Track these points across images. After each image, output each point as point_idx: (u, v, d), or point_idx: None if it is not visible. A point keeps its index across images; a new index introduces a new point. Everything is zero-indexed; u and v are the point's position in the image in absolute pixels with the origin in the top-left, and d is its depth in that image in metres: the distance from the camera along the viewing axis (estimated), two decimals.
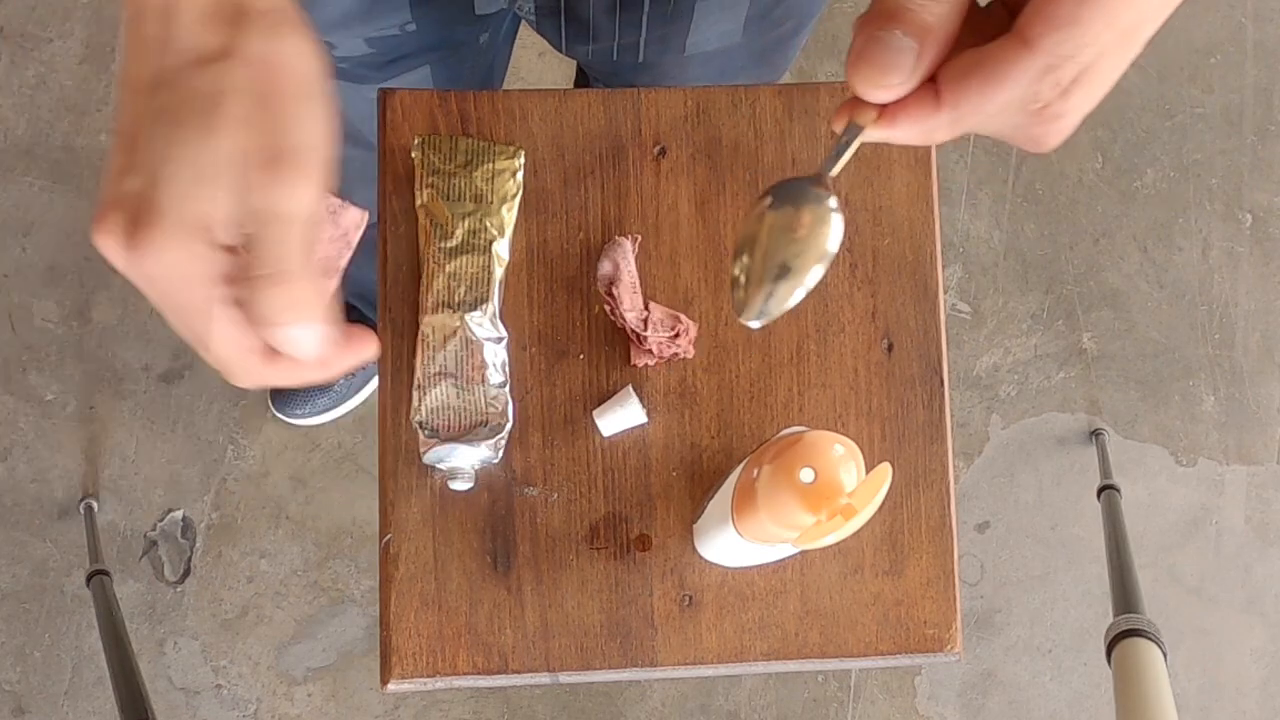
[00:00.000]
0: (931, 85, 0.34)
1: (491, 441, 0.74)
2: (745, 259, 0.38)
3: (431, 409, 0.74)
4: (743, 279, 0.38)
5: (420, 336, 0.75)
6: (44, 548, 1.68)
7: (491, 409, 0.74)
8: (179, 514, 1.70)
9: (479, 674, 0.74)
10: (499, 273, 0.76)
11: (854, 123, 0.36)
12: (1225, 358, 1.84)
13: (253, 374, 0.41)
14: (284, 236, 0.38)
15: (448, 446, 0.73)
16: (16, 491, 1.69)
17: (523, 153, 0.78)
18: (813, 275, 0.37)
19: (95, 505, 1.68)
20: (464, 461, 0.73)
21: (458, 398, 0.75)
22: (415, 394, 0.74)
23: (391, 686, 0.74)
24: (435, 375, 0.74)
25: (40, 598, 1.68)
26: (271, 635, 1.70)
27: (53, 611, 1.68)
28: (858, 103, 0.36)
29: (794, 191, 0.38)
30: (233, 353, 0.40)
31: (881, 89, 0.34)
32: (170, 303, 0.40)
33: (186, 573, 1.70)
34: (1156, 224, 1.86)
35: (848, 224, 0.79)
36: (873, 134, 0.36)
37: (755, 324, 0.38)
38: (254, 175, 0.37)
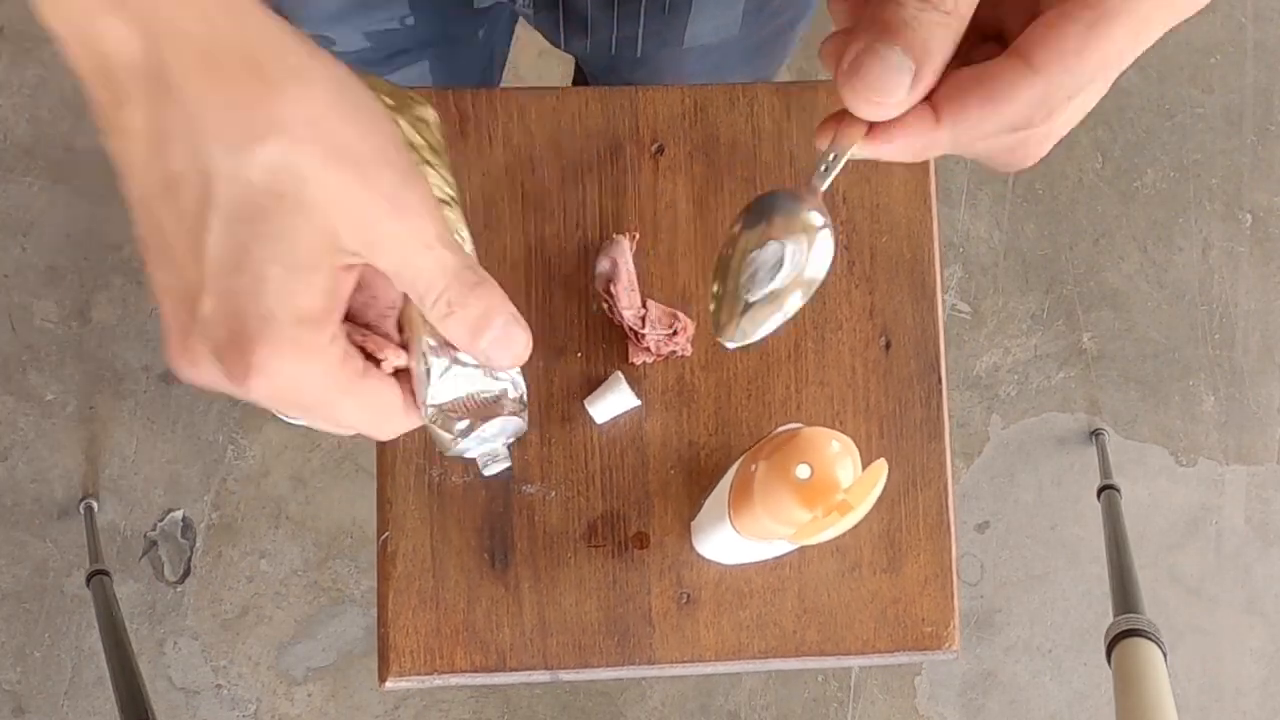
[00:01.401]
0: (926, 103, 0.33)
1: (518, 414, 0.72)
2: (722, 279, 0.36)
3: (442, 404, 0.73)
4: (718, 300, 0.36)
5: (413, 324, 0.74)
6: (44, 548, 1.68)
7: (500, 379, 0.73)
8: (179, 514, 1.70)
9: (477, 672, 0.74)
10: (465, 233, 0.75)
11: (840, 139, 0.34)
12: (1225, 358, 1.84)
13: (400, 421, 0.40)
14: (431, 261, 0.35)
15: (474, 435, 0.72)
16: (16, 491, 1.69)
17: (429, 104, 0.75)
18: (792, 302, 0.35)
19: (95, 505, 1.68)
20: (496, 439, 0.72)
21: (467, 381, 0.74)
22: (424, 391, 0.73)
23: (389, 684, 0.74)
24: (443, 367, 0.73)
25: (40, 598, 1.68)
26: (271, 635, 1.70)
27: (53, 611, 1.68)
28: (845, 117, 0.34)
29: (777, 207, 0.36)
30: (380, 413, 0.39)
31: (877, 107, 0.33)
32: (302, 403, 0.36)
33: (186, 573, 1.70)
34: (1156, 224, 1.86)
35: (845, 222, 0.79)
36: (863, 151, 0.35)
37: (732, 345, 0.36)
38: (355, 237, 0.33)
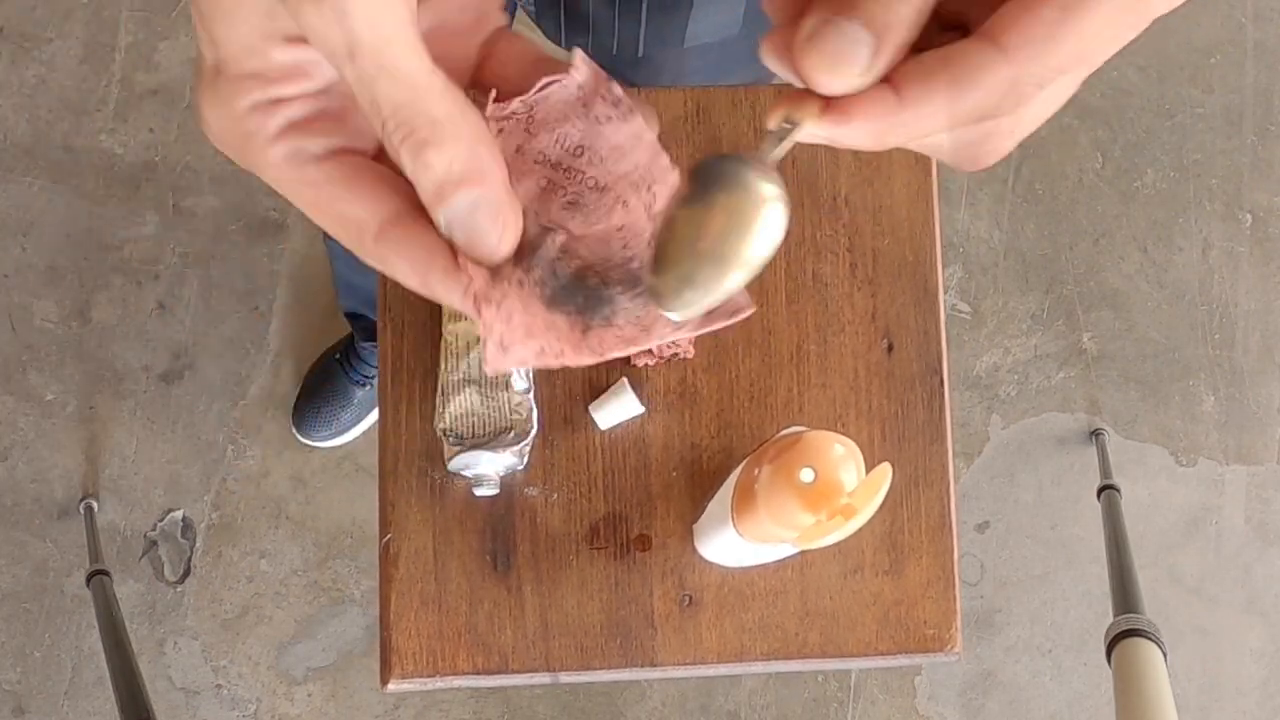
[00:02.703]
0: (888, 84, 0.31)
1: (516, 448, 0.74)
2: (664, 245, 0.33)
3: (456, 416, 0.74)
4: (660, 266, 0.33)
5: (443, 344, 0.75)
6: (44, 548, 1.68)
7: (516, 415, 0.74)
8: (179, 514, 1.70)
9: (479, 674, 0.74)
10: None
11: (795, 110, 0.32)
12: (1225, 358, 1.84)
13: (368, 243, 0.33)
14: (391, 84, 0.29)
15: (473, 454, 0.73)
16: (16, 491, 1.69)
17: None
18: (735, 279, 0.32)
19: (95, 505, 1.68)
20: (489, 469, 0.73)
21: (482, 405, 0.74)
22: (439, 401, 0.74)
23: (391, 686, 0.74)
24: (459, 382, 0.74)
25: (40, 598, 1.68)
26: (271, 635, 1.70)
27: (53, 611, 1.68)
28: (802, 95, 0.32)
29: (725, 173, 0.33)
30: (328, 218, 0.32)
31: (834, 79, 0.31)
32: (235, 158, 0.33)
33: (186, 573, 1.70)
34: (1156, 224, 1.86)
35: (847, 225, 0.79)
36: (818, 131, 0.32)
37: (675, 316, 0.33)
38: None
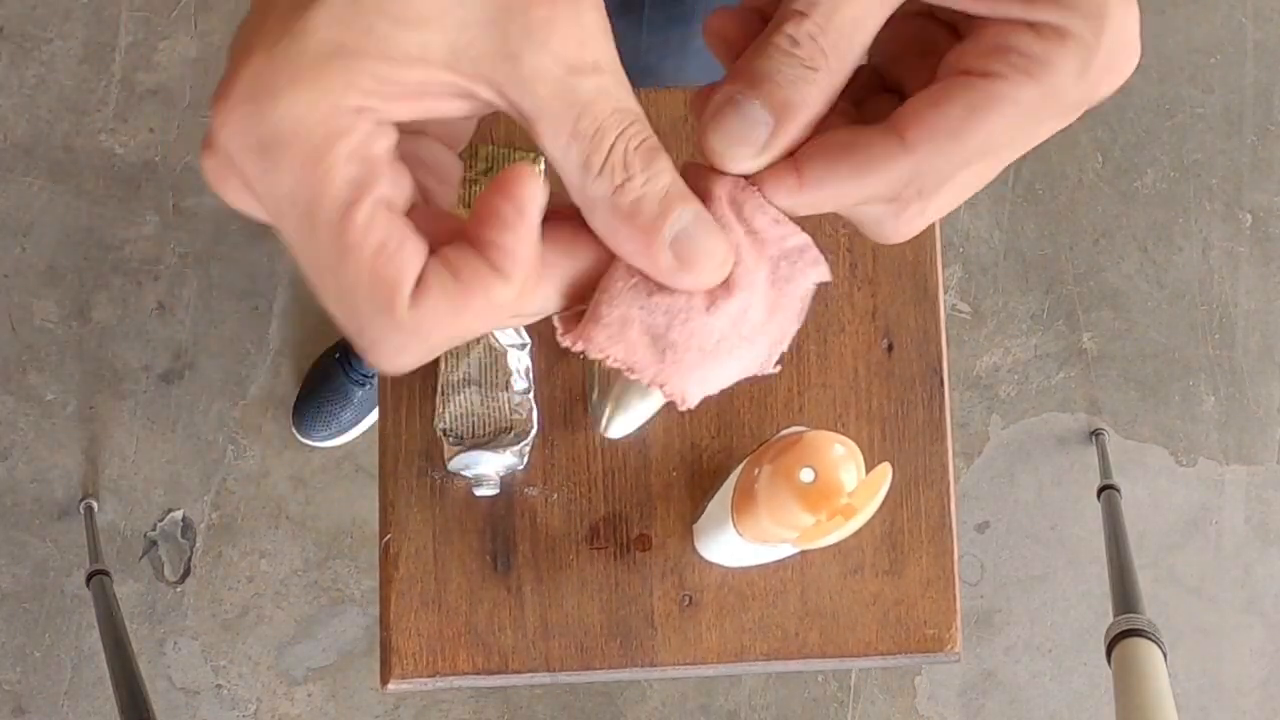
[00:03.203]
0: (792, 162, 0.31)
1: (516, 448, 0.74)
2: (596, 375, 0.33)
3: (455, 416, 0.74)
4: (595, 394, 0.33)
5: None
6: (44, 548, 1.68)
7: (516, 415, 0.74)
8: (179, 514, 1.70)
9: (479, 674, 0.74)
10: None
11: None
12: (1225, 358, 1.84)
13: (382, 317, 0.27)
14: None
15: (473, 454, 0.73)
16: (16, 491, 1.69)
17: (543, 159, 0.78)
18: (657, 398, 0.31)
19: (95, 505, 1.68)
20: (489, 469, 0.73)
21: (482, 404, 0.74)
22: (439, 401, 0.74)
23: (392, 686, 0.74)
24: (459, 382, 0.74)
25: (40, 598, 1.68)
26: (271, 635, 1.70)
27: (53, 611, 1.68)
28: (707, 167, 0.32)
29: None
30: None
31: (731, 160, 0.30)
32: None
33: (186, 573, 1.70)
34: (1156, 224, 1.86)
35: (847, 225, 0.79)
36: None
37: (614, 435, 0.32)
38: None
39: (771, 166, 0.31)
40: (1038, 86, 0.29)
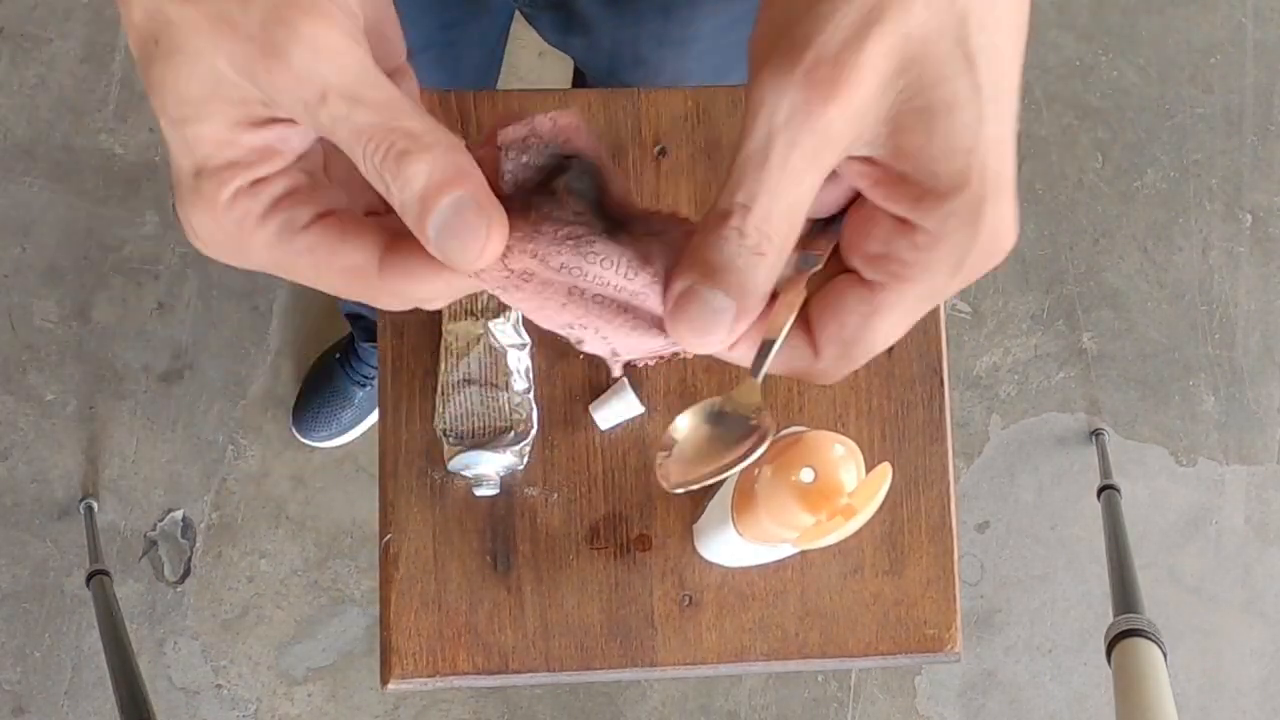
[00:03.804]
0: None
1: (516, 448, 0.74)
2: (677, 442, 0.38)
3: (455, 416, 0.74)
4: (669, 458, 0.38)
5: (443, 344, 0.75)
6: (44, 548, 1.68)
7: (516, 415, 0.74)
8: (179, 514, 1.70)
9: (479, 674, 0.74)
10: None
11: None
12: (1225, 358, 1.84)
13: (360, 286, 0.33)
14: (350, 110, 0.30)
15: (473, 454, 0.73)
16: (16, 491, 1.69)
17: None
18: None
19: (95, 505, 1.68)
20: (489, 469, 0.73)
21: (481, 405, 0.74)
22: (439, 401, 0.74)
23: (392, 686, 0.74)
24: (459, 382, 0.74)
25: (40, 598, 1.68)
26: (271, 635, 1.70)
27: (53, 611, 1.68)
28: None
29: (726, 417, 0.38)
30: (326, 276, 0.33)
31: (703, 346, 0.34)
32: (225, 256, 0.34)
33: (186, 573, 1.70)
34: (1156, 224, 1.86)
35: None
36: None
37: (679, 491, 0.39)
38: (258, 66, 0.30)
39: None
40: (916, 288, 0.33)
